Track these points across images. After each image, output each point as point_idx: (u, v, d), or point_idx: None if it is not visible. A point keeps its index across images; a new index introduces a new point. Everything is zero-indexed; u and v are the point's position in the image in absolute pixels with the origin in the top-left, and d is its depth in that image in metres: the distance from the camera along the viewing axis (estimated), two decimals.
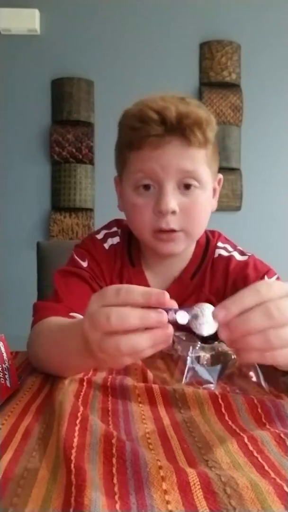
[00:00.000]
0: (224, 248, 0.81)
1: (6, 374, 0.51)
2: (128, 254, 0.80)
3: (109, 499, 0.31)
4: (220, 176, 0.78)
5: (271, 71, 2.27)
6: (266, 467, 0.35)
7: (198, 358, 0.58)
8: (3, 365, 0.51)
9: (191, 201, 0.68)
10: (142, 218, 0.69)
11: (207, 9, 2.25)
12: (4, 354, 0.52)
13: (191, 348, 0.55)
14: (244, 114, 2.26)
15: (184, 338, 0.67)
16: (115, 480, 0.33)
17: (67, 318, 0.64)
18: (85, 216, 2.22)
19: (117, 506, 0.30)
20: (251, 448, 0.38)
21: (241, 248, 0.83)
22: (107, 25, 2.23)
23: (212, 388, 0.55)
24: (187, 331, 0.73)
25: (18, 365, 0.66)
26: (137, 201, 0.69)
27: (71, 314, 0.67)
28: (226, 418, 0.45)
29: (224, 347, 0.63)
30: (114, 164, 0.80)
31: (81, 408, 0.45)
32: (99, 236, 0.81)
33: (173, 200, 0.67)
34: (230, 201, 2.23)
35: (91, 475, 0.33)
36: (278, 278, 0.78)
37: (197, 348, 0.58)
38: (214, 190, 0.76)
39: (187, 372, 0.57)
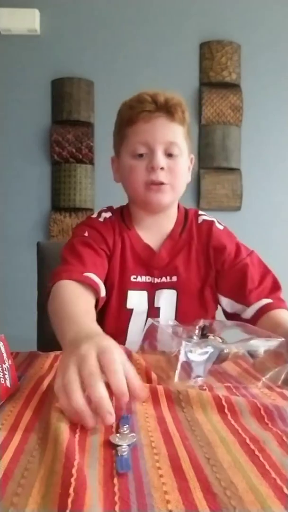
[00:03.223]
0: (205, 215, 0.99)
1: (6, 374, 0.51)
2: (122, 221, 0.96)
3: (109, 499, 0.31)
4: (192, 156, 0.96)
5: (271, 71, 2.27)
6: (267, 466, 0.35)
7: (190, 352, 0.58)
8: (3, 365, 0.51)
9: (174, 163, 0.88)
10: (137, 174, 0.88)
11: (207, 9, 2.25)
12: (4, 354, 0.52)
13: (183, 343, 0.56)
14: (244, 114, 2.26)
15: (179, 333, 0.68)
16: (115, 480, 0.33)
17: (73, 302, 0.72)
18: (85, 216, 2.22)
19: (117, 507, 0.30)
20: (252, 447, 0.38)
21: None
22: (107, 25, 2.23)
23: (201, 382, 0.56)
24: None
25: (18, 365, 0.66)
26: (133, 163, 0.88)
27: (85, 274, 0.80)
28: (229, 417, 0.45)
29: (217, 340, 0.63)
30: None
31: None
32: (94, 215, 0.98)
33: (162, 159, 0.86)
34: (230, 201, 2.22)
35: (91, 475, 0.33)
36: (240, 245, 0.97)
37: (190, 343, 0.58)
38: (188, 167, 0.95)
39: (179, 366, 0.56)
